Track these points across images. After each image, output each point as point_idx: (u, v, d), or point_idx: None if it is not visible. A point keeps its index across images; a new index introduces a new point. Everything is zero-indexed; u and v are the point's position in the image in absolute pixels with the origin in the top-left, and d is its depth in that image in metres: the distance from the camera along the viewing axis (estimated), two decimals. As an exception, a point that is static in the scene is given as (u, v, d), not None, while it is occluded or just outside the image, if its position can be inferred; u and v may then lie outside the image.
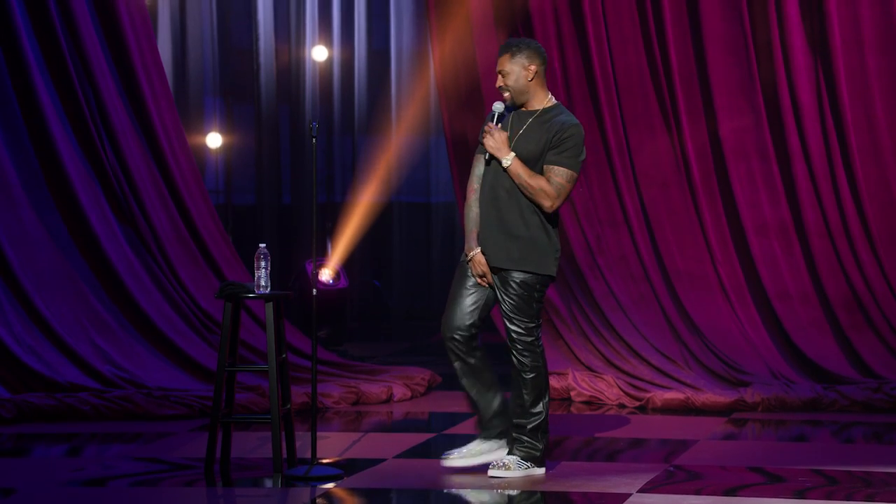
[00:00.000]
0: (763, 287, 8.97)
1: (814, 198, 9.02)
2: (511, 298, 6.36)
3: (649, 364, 8.80)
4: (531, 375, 6.38)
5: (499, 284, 6.40)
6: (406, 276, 12.34)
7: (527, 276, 6.34)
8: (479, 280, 6.42)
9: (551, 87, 9.13)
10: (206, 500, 6.29)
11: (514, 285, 6.35)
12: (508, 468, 6.37)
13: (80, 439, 7.66)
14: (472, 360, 6.45)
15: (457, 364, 6.49)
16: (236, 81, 11.94)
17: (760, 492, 6.21)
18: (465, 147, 9.42)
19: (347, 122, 12.15)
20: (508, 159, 6.35)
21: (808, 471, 6.60)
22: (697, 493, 6.22)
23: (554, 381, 8.85)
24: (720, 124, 9.08)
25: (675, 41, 9.06)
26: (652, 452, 7.24)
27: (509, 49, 6.39)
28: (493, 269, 6.41)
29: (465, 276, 6.47)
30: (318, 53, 11.87)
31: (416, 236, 12.34)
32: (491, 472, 6.40)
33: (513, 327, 6.39)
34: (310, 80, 11.89)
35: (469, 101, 9.31)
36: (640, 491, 6.16)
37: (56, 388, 8.20)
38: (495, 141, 6.37)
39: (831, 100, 9.02)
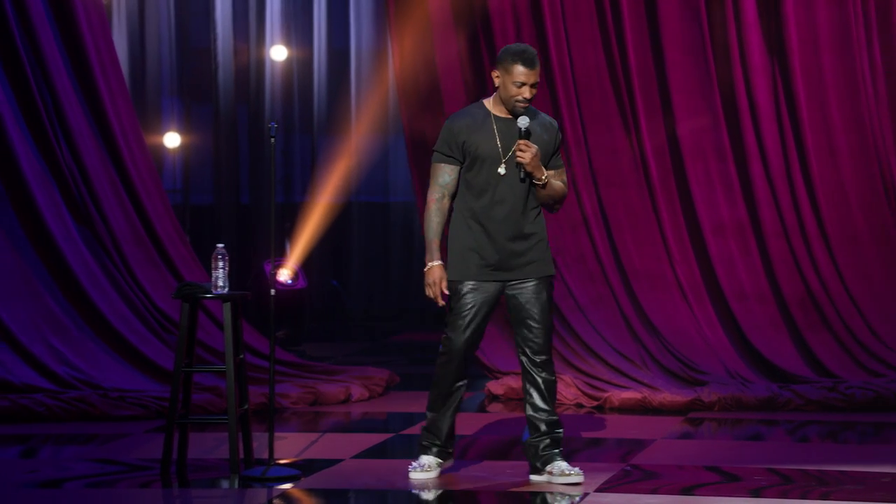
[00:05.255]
0: (720, 287, 9.01)
1: (770, 198, 9.07)
2: (546, 304, 6.24)
3: (607, 364, 8.83)
4: (554, 378, 6.35)
5: (527, 295, 6.23)
6: (364, 277, 12.34)
7: (552, 279, 6.33)
8: (430, 295, 6.23)
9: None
10: (162, 501, 6.26)
11: (549, 291, 6.26)
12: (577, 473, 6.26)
13: (35, 441, 7.61)
14: (465, 381, 6.40)
15: (460, 382, 6.33)
16: (194, 81, 11.90)
17: (716, 491, 6.23)
18: (424, 147, 9.42)
19: (306, 121, 12.14)
20: (546, 176, 6.21)
21: (764, 470, 6.63)
22: (654, 492, 6.24)
23: (512, 382, 8.86)
24: (678, 124, 9.12)
25: (633, 41, 9.10)
26: (609, 452, 7.26)
27: (537, 61, 6.18)
28: (523, 284, 6.23)
29: (482, 294, 6.23)
30: (278, 53, 11.84)
31: (375, 236, 12.34)
32: (574, 479, 6.21)
33: (544, 336, 6.24)
34: (269, 80, 11.87)
35: (428, 101, 9.31)
36: (597, 490, 6.18)
37: (10, 390, 8.14)
38: (533, 158, 6.15)
39: (788, 100, 9.07)
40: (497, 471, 6.67)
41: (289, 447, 7.17)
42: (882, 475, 6.46)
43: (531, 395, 6.28)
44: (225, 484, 6.55)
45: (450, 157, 6.25)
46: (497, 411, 8.61)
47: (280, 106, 11.95)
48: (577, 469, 6.26)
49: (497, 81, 6.22)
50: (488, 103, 6.30)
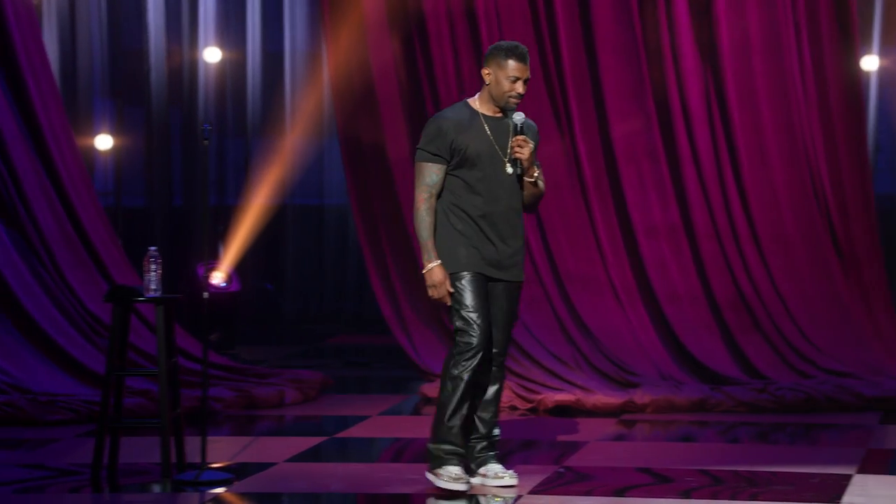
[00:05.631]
0: (653, 289, 9.06)
1: (702, 200, 9.13)
2: (517, 309, 6.25)
3: (541, 366, 8.85)
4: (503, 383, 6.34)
5: (509, 295, 6.21)
6: (299, 279, 12.29)
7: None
8: (436, 296, 6.16)
9: (444, 90, 9.22)
10: (92, 506, 6.20)
11: (519, 296, 6.28)
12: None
13: (-36, 446, 7.51)
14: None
15: (471, 379, 6.17)
16: (127, 82, 11.80)
17: (648, 492, 6.27)
18: (358, 149, 9.41)
19: (240, 124, 12.07)
20: (538, 173, 6.19)
21: (695, 471, 6.68)
22: (587, 493, 6.27)
23: (447, 384, 8.86)
24: (611, 127, 9.16)
25: (567, 44, 9.13)
26: (543, 454, 7.28)
27: (528, 57, 6.19)
28: (508, 284, 6.19)
29: (482, 285, 6.19)
30: (211, 55, 11.77)
31: (309, 239, 12.30)
32: (508, 482, 6.21)
33: (508, 340, 6.25)
34: (202, 82, 11.79)
35: (363, 103, 9.29)
36: (531, 492, 6.20)
37: (-61, 394, 8.02)
38: (531, 154, 6.13)
39: (720, 103, 9.14)
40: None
41: (222, 451, 7.12)
42: (811, 476, 6.53)
43: (480, 395, 6.25)
44: (157, 488, 6.50)
45: (437, 155, 6.17)
46: (431, 414, 8.59)
47: (213, 108, 11.87)
48: (511, 472, 6.27)
49: (488, 79, 6.18)
50: (474, 103, 6.25)
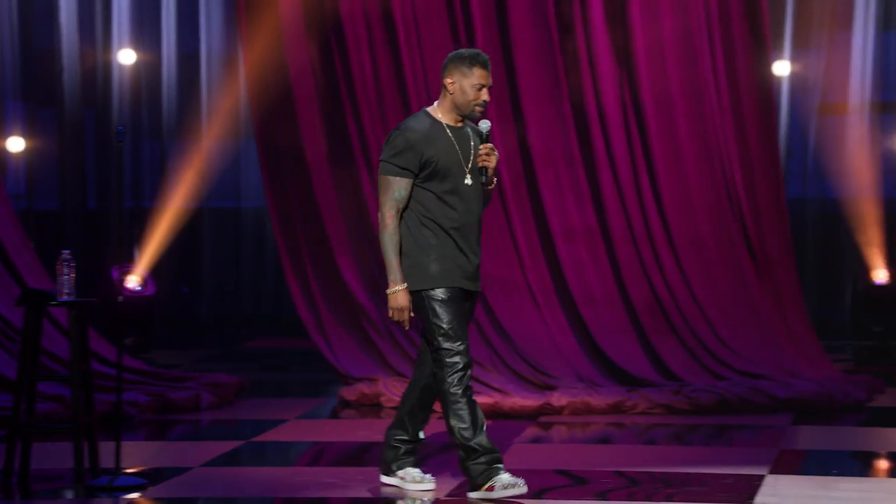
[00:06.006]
0: (570, 292, 9.11)
1: (619, 204, 9.20)
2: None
3: (459, 369, 8.85)
4: None
5: (472, 306, 6.16)
6: (215, 282, 12.21)
7: None
8: (397, 319, 6.00)
9: (361, 92, 9.21)
10: (3, 513, 6.11)
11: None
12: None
13: None
14: None
15: (469, 392, 6.08)
16: (39, 84, 11.65)
17: (565, 494, 6.30)
18: (275, 152, 9.36)
19: (155, 126, 11.97)
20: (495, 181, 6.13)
21: (612, 472, 6.72)
22: (504, 495, 6.27)
23: (364, 388, 8.85)
24: (529, 131, 9.20)
25: (484, 48, 9.14)
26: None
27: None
28: (472, 294, 6.13)
29: (458, 299, 6.07)
30: (125, 57, 11.66)
31: (226, 241, 12.22)
32: (426, 486, 6.17)
33: None
34: (116, 84, 11.68)
35: (280, 105, 9.25)
36: (448, 495, 6.20)
37: None
38: (496, 162, 6.06)
39: (635, 108, 9.21)
40: (349, 477, 6.65)
41: (136, 456, 7.05)
42: (725, 476, 6.60)
43: (421, 397, 6.20)
44: (69, 494, 6.42)
45: (405, 169, 6.01)
46: (350, 417, 8.59)
47: (128, 110, 11.76)
48: (429, 476, 6.26)
49: (452, 88, 6.06)
50: (435, 113, 6.12)
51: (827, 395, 8.64)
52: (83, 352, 6.53)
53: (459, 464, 6.10)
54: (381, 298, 9.14)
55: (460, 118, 6.12)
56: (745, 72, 9.25)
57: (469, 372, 6.04)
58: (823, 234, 11.47)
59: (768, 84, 9.36)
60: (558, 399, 8.49)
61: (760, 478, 6.50)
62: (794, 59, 11.21)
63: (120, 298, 6.63)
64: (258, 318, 12.26)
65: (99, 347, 8.79)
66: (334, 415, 8.73)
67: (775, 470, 6.72)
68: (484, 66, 6.06)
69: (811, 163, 11.34)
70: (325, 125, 9.24)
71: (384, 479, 6.31)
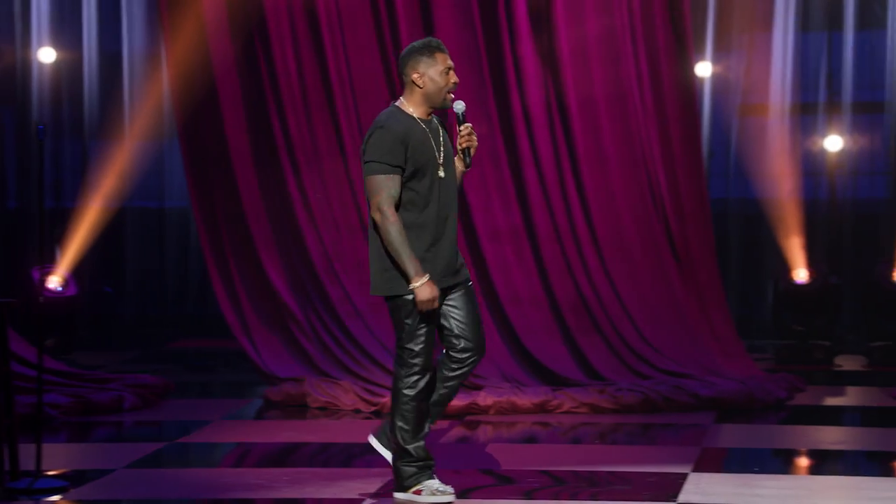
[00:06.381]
0: (496, 292, 9.13)
1: (544, 204, 9.24)
2: (478, 306, 6.10)
3: (385, 369, 8.85)
4: None
5: (471, 296, 6.06)
6: (139, 283, 12.11)
7: None
8: (426, 307, 5.87)
9: (286, 91, 9.17)
10: (-79, 517, 6.02)
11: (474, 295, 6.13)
12: None
13: None
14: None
15: (425, 398, 6.03)
16: (-44, 82, 11.49)
17: (491, 493, 6.32)
18: (200, 152, 9.29)
19: (77, 125, 11.84)
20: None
21: (537, 472, 6.75)
22: (430, 495, 6.28)
23: (290, 388, 8.81)
24: (454, 131, 9.20)
25: (409, 48, 9.15)
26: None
27: None
28: (454, 287, 6.05)
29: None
30: (45, 55, 11.52)
31: (149, 242, 12.12)
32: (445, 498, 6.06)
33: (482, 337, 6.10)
34: (36, 83, 11.53)
35: (204, 104, 9.19)
36: (374, 495, 6.19)
37: None
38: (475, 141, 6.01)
39: (560, 109, 9.26)
40: (274, 478, 6.62)
41: (58, 458, 6.97)
42: (649, 475, 6.65)
43: (440, 403, 6.10)
44: (-11, 498, 6.33)
45: (397, 167, 5.88)
46: (275, 418, 8.55)
47: (49, 109, 11.62)
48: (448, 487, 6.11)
49: (421, 81, 5.96)
50: (406, 107, 6.01)
51: (748, 393, 8.73)
52: (3, 353, 6.44)
53: (392, 462, 6.08)
54: (307, 298, 9.16)
55: (431, 110, 6.03)
56: (668, 73, 9.33)
57: (427, 377, 5.99)
58: (745, 233, 11.59)
59: (691, 85, 9.45)
60: (484, 399, 8.51)
61: (684, 476, 6.55)
62: (715, 61, 11.32)
63: (41, 299, 6.53)
64: (182, 319, 12.17)
65: (19, 348, 8.68)
66: (259, 416, 8.69)
67: (698, 468, 6.78)
68: (443, 49, 6.02)
69: (733, 163, 11.45)
70: (250, 125, 9.19)
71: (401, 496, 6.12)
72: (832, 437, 7.93)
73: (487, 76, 9.16)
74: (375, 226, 5.93)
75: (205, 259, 9.40)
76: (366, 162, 5.92)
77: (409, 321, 5.95)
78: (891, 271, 10.51)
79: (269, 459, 7.34)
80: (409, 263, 5.88)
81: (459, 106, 6.06)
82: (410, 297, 5.93)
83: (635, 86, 9.27)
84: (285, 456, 7.38)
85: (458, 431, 7.99)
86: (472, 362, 6.11)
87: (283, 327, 9.12)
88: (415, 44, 6.06)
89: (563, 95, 9.21)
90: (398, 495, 6.05)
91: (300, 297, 9.13)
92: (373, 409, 8.57)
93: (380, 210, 5.88)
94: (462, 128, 6.04)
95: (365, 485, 6.37)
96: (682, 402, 8.59)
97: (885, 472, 7.10)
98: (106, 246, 11.50)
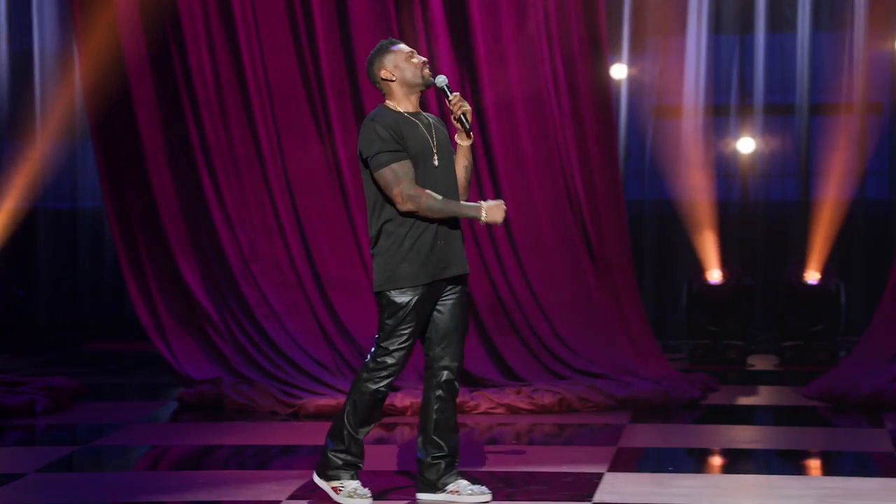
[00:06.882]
0: (413, 293, 9.13)
1: (460, 205, 9.25)
2: (467, 314, 6.05)
3: (302, 371, 8.83)
4: None
5: (460, 302, 6.00)
6: (51, 284, 11.96)
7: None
8: (501, 220, 5.85)
9: (201, 91, 9.10)
10: None
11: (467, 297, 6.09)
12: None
13: None
14: None
15: (383, 396, 6.02)
16: None
17: (408, 494, 6.32)
18: (114, 152, 9.20)
19: (-13, 125, 11.67)
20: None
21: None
22: (347, 497, 6.27)
23: (206, 390, 8.76)
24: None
25: (326, 49, 9.13)
26: (303, 459, 7.26)
27: None
28: (459, 279, 5.98)
29: (424, 305, 5.93)
30: (-45, 54, 11.35)
31: (62, 243, 11.99)
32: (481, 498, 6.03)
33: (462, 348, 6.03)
34: (-57, 83, 11.37)
35: (118, 103, 9.10)
36: (291, 497, 6.17)
37: None
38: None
39: (477, 111, 9.28)
40: (189, 481, 6.58)
41: (-32, 464, 6.87)
42: (565, 475, 6.69)
43: (437, 409, 6.06)
44: None
45: (399, 151, 5.83)
46: (190, 420, 8.49)
47: (-42, 109, 11.46)
48: (481, 486, 6.10)
49: (395, 74, 5.95)
50: (390, 106, 5.99)
51: (663, 393, 8.81)
52: (-88, 357, 6.33)
53: (324, 445, 6.04)
54: (223, 300, 9.10)
55: (416, 97, 6.00)
56: (584, 75, 9.39)
57: (392, 379, 5.98)
58: (660, 234, 11.69)
59: (606, 87, 9.52)
60: (401, 400, 8.51)
61: (599, 476, 6.60)
62: (630, 63, 11.41)
63: (-49, 302, 6.44)
64: (96, 321, 12.05)
65: (-72, 352, 8.56)
66: (174, 418, 8.62)
67: (614, 468, 6.83)
68: (397, 42, 6.05)
69: (648, 164, 11.55)
70: (165, 125, 9.12)
71: (428, 497, 6.08)
72: (745, 436, 8.02)
73: (404, 77, 9.14)
74: (407, 215, 5.85)
75: (119, 260, 9.31)
76: (371, 156, 5.88)
77: (389, 321, 5.92)
78: (802, 272, 10.66)
79: (184, 462, 7.28)
80: (464, 209, 5.88)
81: (441, 79, 6.05)
82: (395, 294, 5.88)
83: (551, 87, 9.32)
84: (200, 459, 7.33)
85: (374, 433, 7.98)
86: (446, 375, 6.04)
87: (199, 329, 9.05)
88: (373, 50, 6.07)
89: (480, 96, 9.24)
90: (316, 478, 6.05)
91: (216, 298, 9.07)
92: (289, 410, 8.54)
93: (408, 197, 5.83)
94: (452, 97, 6.01)
95: (281, 487, 6.35)
96: (597, 402, 8.65)
97: (797, 470, 7.20)
98: (17, 247, 11.35)
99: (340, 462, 6.03)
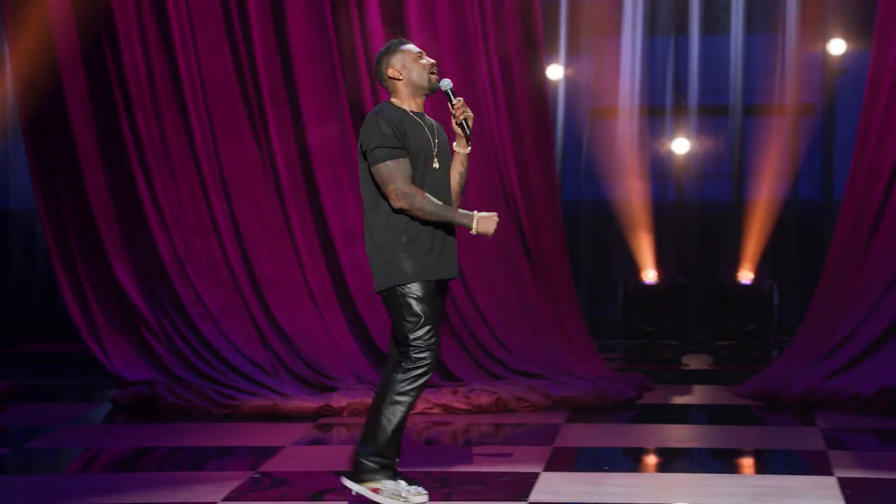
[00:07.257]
0: (350, 293, 9.13)
1: (397, 206, 9.25)
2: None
3: (238, 371, 8.79)
4: None
5: (441, 301, 5.95)
6: (-17, 285, 11.85)
7: None
8: (493, 231, 5.87)
9: (135, 90, 9.03)
10: None
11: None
12: None
13: None
14: None
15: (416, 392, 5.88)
16: None
17: (343, 495, 6.30)
18: (46, 151, 9.11)
19: (-84, 124, 11.52)
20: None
21: (391, 472, 6.75)
22: (283, 498, 6.26)
23: (140, 391, 8.71)
24: (308, 132, 9.18)
25: (261, 48, 9.09)
26: (238, 460, 7.22)
27: None
28: (444, 286, 5.94)
29: (433, 295, 5.88)
30: None
31: (-6, 244, 11.88)
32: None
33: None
34: None
35: (50, 102, 9.02)
36: (225, 499, 6.14)
37: None
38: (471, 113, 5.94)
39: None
40: (123, 483, 6.53)
41: None
42: (502, 475, 6.70)
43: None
44: None
45: (400, 148, 5.80)
46: (124, 422, 8.43)
47: None
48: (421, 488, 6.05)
49: (402, 74, 5.92)
50: (395, 104, 5.95)
51: (599, 392, 8.86)
52: None
53: (357, 445, 5.94)
54: (157, 301, 9.03)
55: (421, 100, 5.99)
56: (520, 75, 9.42)
57: (430, 376, 5.87)
58: (596, 234, 11.75)
59: (542, 87, 9.55)
60: (338, 400, 8.49)
61: (535, 475, 6.62)
62: (566, 64, 11.46)
63: None
64: (28, 322, 11.93)
65: None
66: (108, 420, 8.55)
67: (550, 467, 6.86)
68: (406, 41, 6.04)
69: (584, 165, 11.60)
70: (98, 124, 9.04)
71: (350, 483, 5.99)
72: (680, 435, 8.08)
73: (340, 77, 9.14)
74: (399, 213, 5.82)
75: (52, 261, 9.22)
76: (370, 150, 5.84)
77: (410, 318, 5.82)
78: (736, 272, 10.75)
79: (118, 464, 7.22)
80: (458, 216, 5.85)
81: (446, 83, 6.03)
82: (408, 288, 5.82)
83: (488, 87, 9.34)
84: (135, 460, 7.27)
85: (311, 434, 7.97)
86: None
87: (133, 330, 8.99)
88: (381, 49, 6.05)
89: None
90: (350, 484, 5.93)
91: (150, 299, 9.01)
92: (225, 411, 8.50)
93: (403, 195, 5.79)
94: (455, 101, 5.99)
95: (217, 488, 6.31)
96: (534, 402, 8.68)
97: (730, 468, 7.26)
98: (-52, 247, 11.23)
99: (375, 465, 5.91)
